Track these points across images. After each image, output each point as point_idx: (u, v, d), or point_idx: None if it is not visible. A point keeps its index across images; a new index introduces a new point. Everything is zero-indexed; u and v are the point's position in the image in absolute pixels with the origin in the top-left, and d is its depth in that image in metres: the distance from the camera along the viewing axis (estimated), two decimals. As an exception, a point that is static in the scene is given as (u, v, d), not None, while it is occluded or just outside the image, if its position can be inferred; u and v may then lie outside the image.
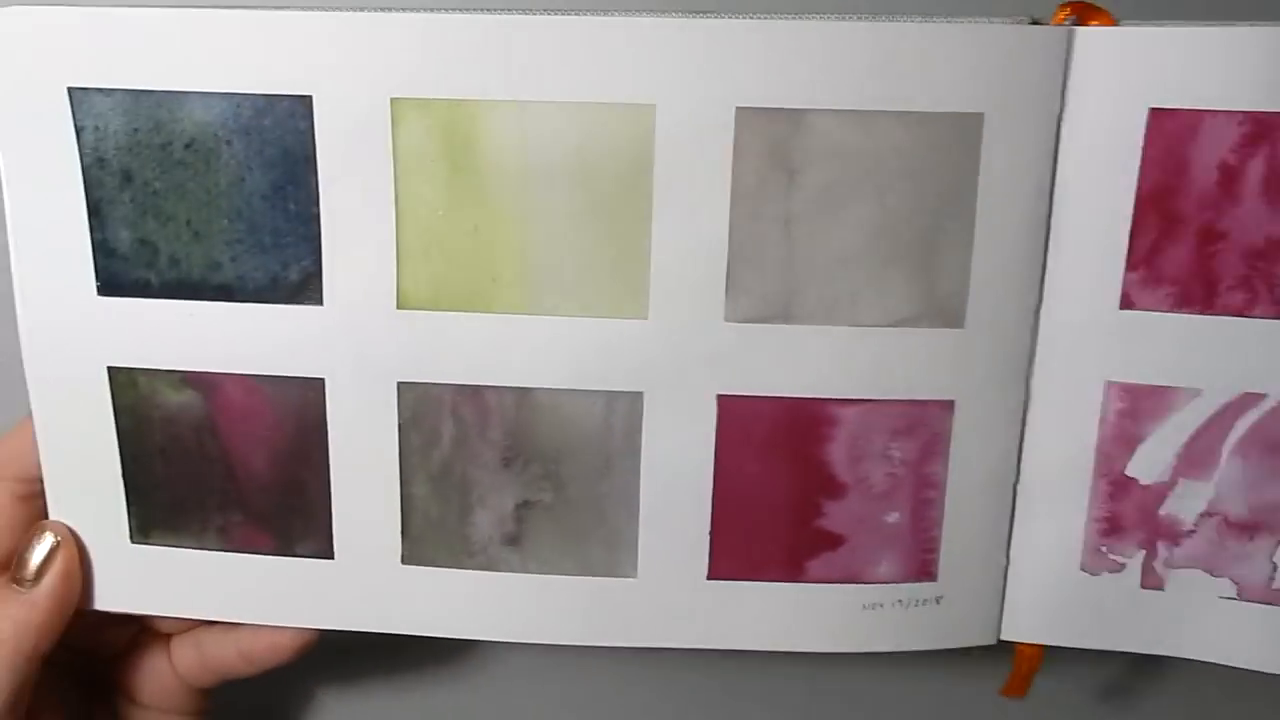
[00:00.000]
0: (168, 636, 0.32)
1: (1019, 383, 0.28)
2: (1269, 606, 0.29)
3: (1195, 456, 0.28)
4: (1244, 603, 0.29)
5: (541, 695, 0.38)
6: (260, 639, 0.30)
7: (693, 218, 0.26)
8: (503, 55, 0.25)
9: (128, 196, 0.26)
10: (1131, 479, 0.28)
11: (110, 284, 0.27)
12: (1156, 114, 0.26)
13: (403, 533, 0.28)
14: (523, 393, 0.27)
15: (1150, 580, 0.29)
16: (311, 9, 0.25)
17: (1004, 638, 0.30)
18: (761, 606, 0.29)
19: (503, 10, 0.25)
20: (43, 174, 0.26)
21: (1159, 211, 0.26)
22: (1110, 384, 0.28)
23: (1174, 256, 0.27)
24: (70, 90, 0.26)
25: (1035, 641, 0.30)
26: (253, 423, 0.28)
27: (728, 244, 0.26)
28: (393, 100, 0.25)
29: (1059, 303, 0.27)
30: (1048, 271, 0.27)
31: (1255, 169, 0.26)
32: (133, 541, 0.29)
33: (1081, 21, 0.26)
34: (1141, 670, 0.37)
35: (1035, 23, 0.26)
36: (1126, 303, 0.27)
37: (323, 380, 0.27)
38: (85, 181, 0.26)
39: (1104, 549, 0.29)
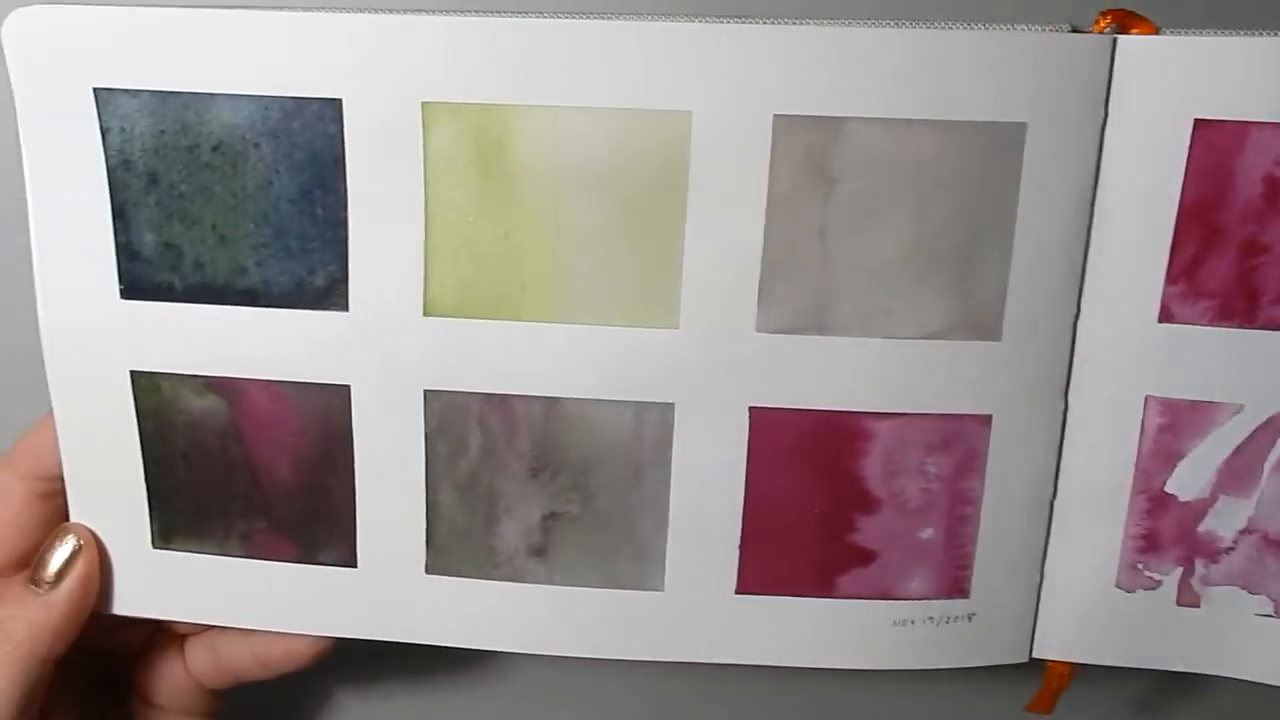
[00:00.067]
0: (183, 638, 0.31)
1: (1057, 397, 0.27)
2: (1307, 626, 0.28)
3: (1236, 473, 0.27)
4: (1281, 621, 0.28)
5: (558, 701, 0.37)
6: (276, 644, 0.30)
7: (726, 226, 0.26)
8: (536, 59, 0.25)
9: (153, 199, 0.26)
10: (1170, 495, 0.28)
11: (134, 287, 0.27)
12: (1201, 125, 0.25)
13: (427, 542, 0.28)
14: (551, 402, 0.27)
15: (1186, 598, 0.28)
16: (342, 10, 0.25)
17: (1036, 655, 0.29)
18: (790, 622, 0.28)
19: (527, 14, 0.25)
20: (67, 175, 0.26)
21: (1201, 224, 0.26)
22: (1150, 399, 0.27)
23: (1215, 270, 0.26)
24: (96, 91, 0.25)
25: (1068, 660, 0.29)
26: (277, 429, 0.28)
27: (761, 253, 0.26)
28: (424, 104, 0.25)
29: (1098, 315, 0.27)
30: (1086, 284, 0.26)
31: (1302, 182, 0.25)
32: (154, 547, 0.29)
33: (1123, 30, 0.25)
34: (1169, 686, 0.36)
35: (1075, 30, 0.25)
36: (1166, 316, 0.26)
37: (348, 387, 0.27)
38: (110, 184, 0.26)
39: (1140, 566, 0.28)
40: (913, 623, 0.28)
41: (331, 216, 0.26)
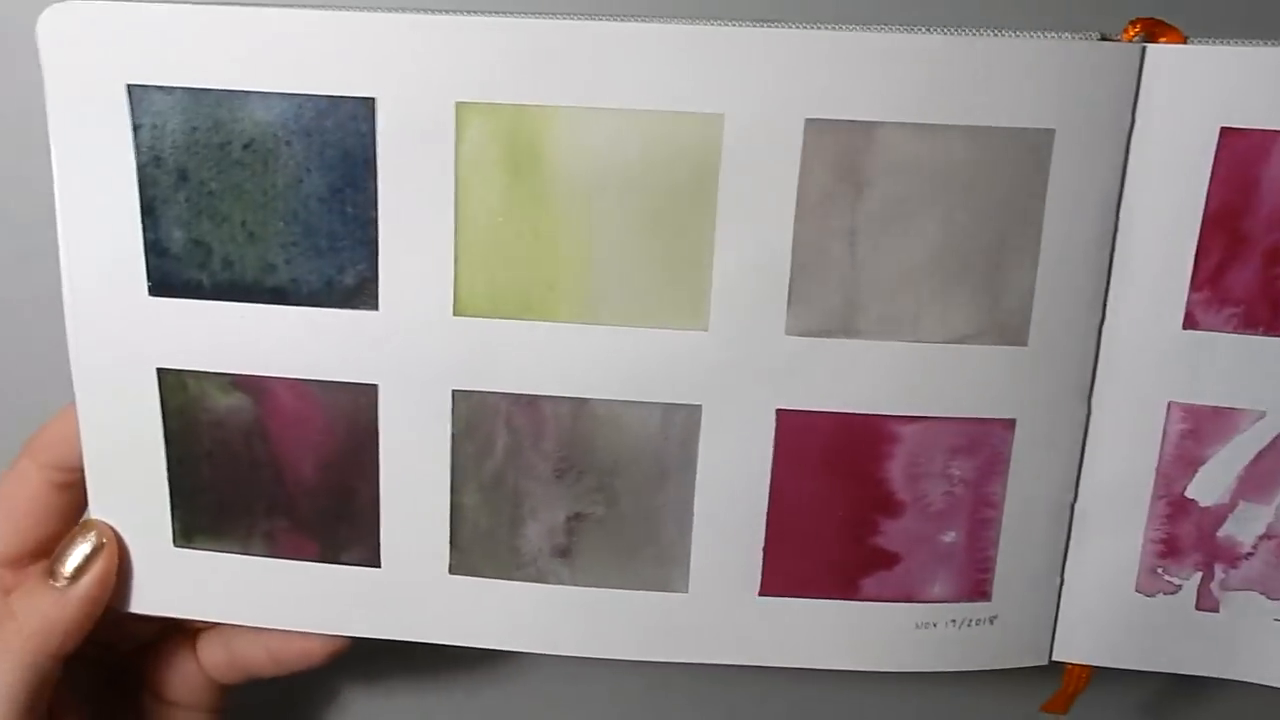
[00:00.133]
0: (194, 633, 0.31)
1: (1080, 402, 0.27)
2: (1326, 632, 0.28)
3: (1257, 479, 0.27)
4: (1300, 626, 0.28)
5: (560, 697, 0.37)
6: (291, 643, 0.30)
7: (756, 229, 0.26)
8: (570, 60, 0.25)
9: (183, 196, 0.26)
10: (1191, 500, 0.28)
11: (162, 284, 0.27)
12: (1227, 133, 0.25)
13: (451, 543, 0.28)
14: (579, 403, 0.27)
15: (1206, 602, 0.29)
16: (377, 10, 0.25)
17: (1056, 658, 0.29)
18: (813, 624, 0.28)
19: (560, 15, 0.25)
20: (97, 171, 0.26)
21: (1226, 231, 0.26)
22: (1172, 404, 0.27)
23: (1240, 277, 0.26)
24: (129, 87, 0.25)
25: (1088, 663, 0.29)
26: (303, 428, 0.27)
27: (791, 256, 0.26)
28: (458, 104, 0.25)
29: (1122, 321, 0.27)
30: (1111, 290, 0.27)
31: (1328, 191, 0.25)
32: (175, 545, 0.29)
33: (1151, 38, 0.26)
34: (1179, 689, 0.37)
35: (1104, 38, 0.25)
36: (1190, 323, 0.27)
37: (375, 386, 0.27)
38: (140, 180, 0.26)
39: (1160, 570, 0.28)
40: (935, 625, 0.28)
41: (362, 215, 0.26)
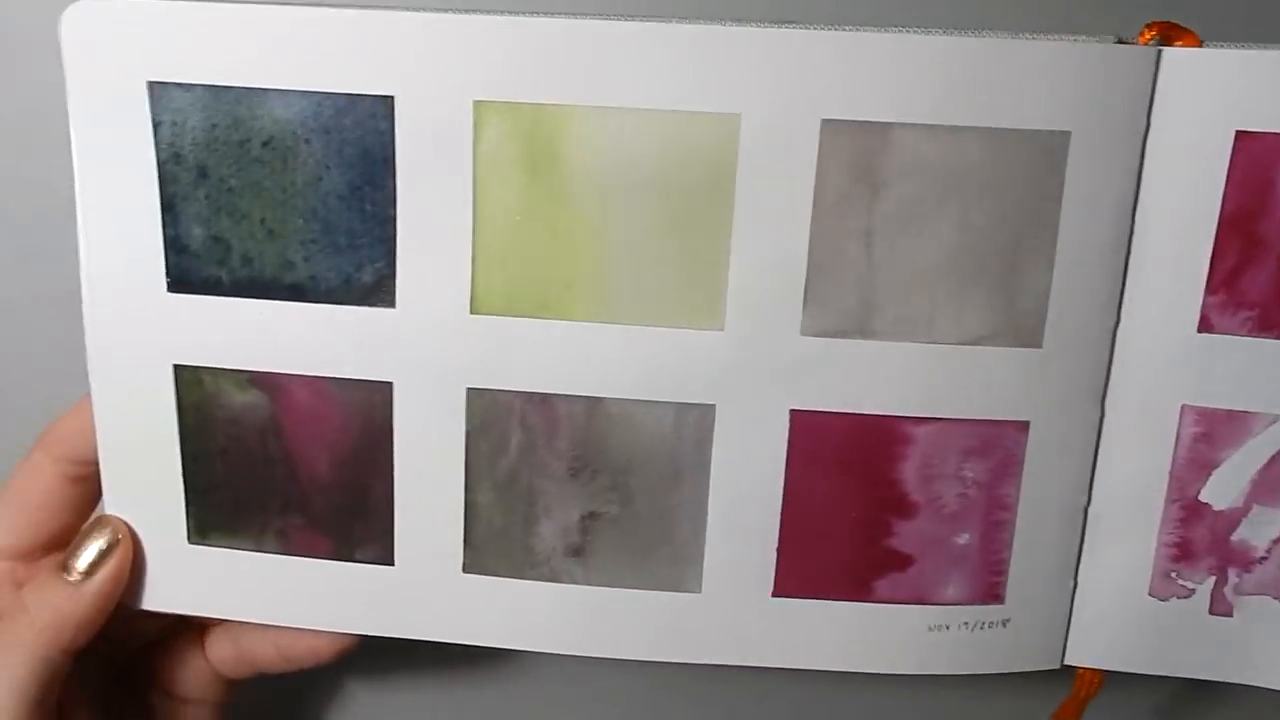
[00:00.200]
0: (203, 628, 0.31)
1: (1094, 404, 0.27)
2: (1340, 637, 0.28)
3: (1271, 482, 0.27)
4: (1315, 632, 0.28)
5: (564, 693, 0.37)
6: (300, 641, 0.30)
7: (772, 229, 0.26)
8: (588, 60, 0.25)
9: (202, 193, 0.26)
10: (1204, 504, 0.28)
11: (180, 281, 0.27)
12: (1243, 136, 0.25)
13: (465, 541, 0.28)
14: (593, 402, 0.27)
15: (1219, 607, 0.29)
16: (396, 9, 0.25)
17: (1068, 662, 0.29)
18: (826, 625, 0.28)
19: (579, 15, 0.25)
20: (117, 168, 0.26)
21: (1241, 235, 0.26)
22: (1186, 408, 0.27)
23: (1255, 280, 0.26)
24: (150, 84, 0.25)
25: (1100, 667, 0.29)
26: (318, 425, 0.28)
27: (807, 257, 0.26)
28: (476, 103, 0.25)
29: (1136, 324, 0.27)
30: (1126, 293, 0.27)
31: (1343, 195, 0.26)
32: (190, 542, 0.29)
33: (1167, 42, 0.26)
34: (1190, 694, 0.36)
35: (1120, 41, 0.26)
36: (1205, 326, 0.27)
37: (391, 384, 0.27)
38: (160, 177, 0.26)
39: (1173, 574, 0.28)
40: (947, 628, 0.28)
41: (380, 213, 0.26)
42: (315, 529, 0.28)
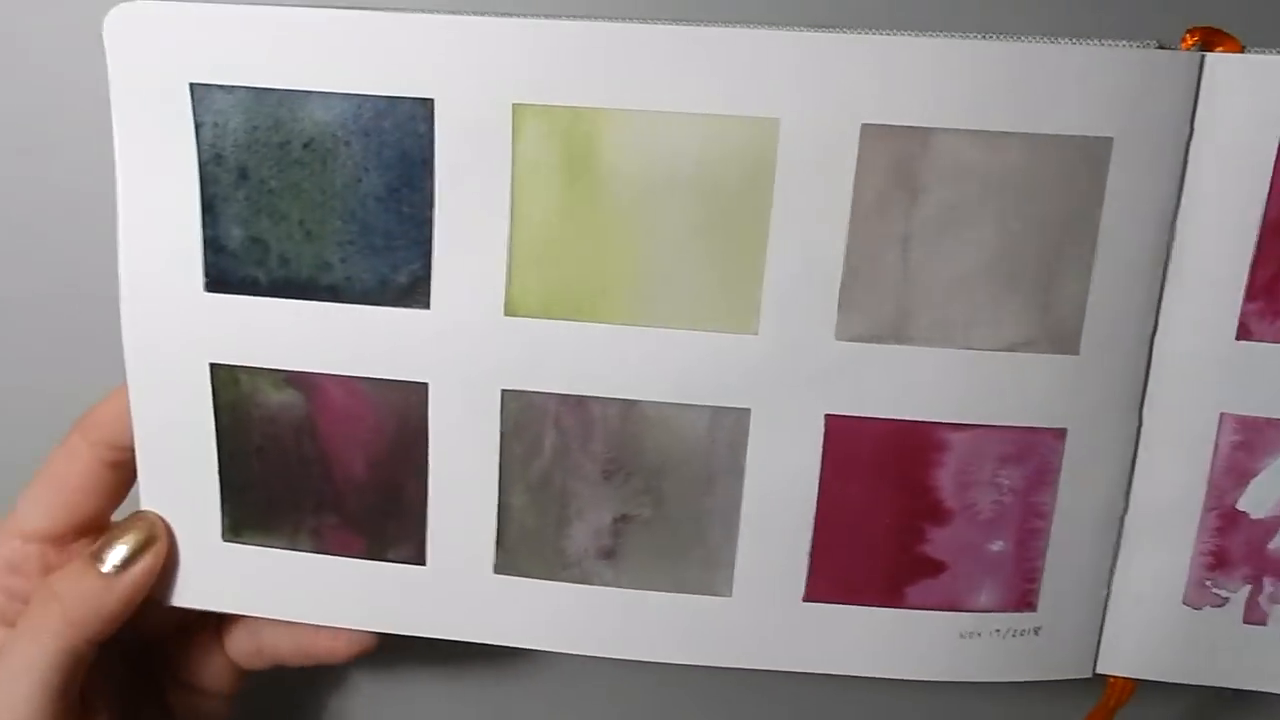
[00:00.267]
0: (221, 621, 0.31)
1: (1132, 412, 0.27)
2: (1377, 648, 0.28)
3: (1309, 493, 0.27)
4: (1350, 642, 0.28)
5: (570, 695, 0.37)
6: (320, 639, 0.30)
7: (810, 234, 0.26)
8: (627, 63, 0.25)
9: (242, 194, 0.26)
10: (1242, 512, 0.28)
11: (218, 281, 0.27)
12: (1287, 144, 0.25)
13: (497, 542, 0.28)
14: (628, 405, 0.27)
15: (1254, 615, 0.28)
16: (435, 12, 0.25)
17: (1100, 671, 0.29)
18: (857, 631, 0.28)
19: (618, 19, 0.25)
20: (158, 168, 0.26)
21: (1283, 243, 0.26)
22: (1225, 415, 0.27)
23: (1296, 289, 0.26)
24: (193, 86, 0.26)
25: (1133, 676, 0.29)
26: (353, 425, 0.28)
27: (843, 262, 0.26)
28: (515, 106, 0.25)
29: (1175, 331, 0.27)
30: (1164, 299, 0.27)
31: (1388, 203, 0.25)
32: (224, 540, 0.29)
33: (1209, 47, 0.26)
34: (1225, 703, 0.36)
35: (1161, 47, 0.25)
36: (1244, 333, 0.27)
37: (426, 385, 0.27)
38: (200, 178, 0.26)
39: (1208, 583, 0.28)
40: (979, 635, 0.28)
41: (418, 215, 0.26)
42: (349, 528, 0.29)
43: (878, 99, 0.25)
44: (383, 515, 0.28)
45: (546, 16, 0.25)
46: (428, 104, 0.25)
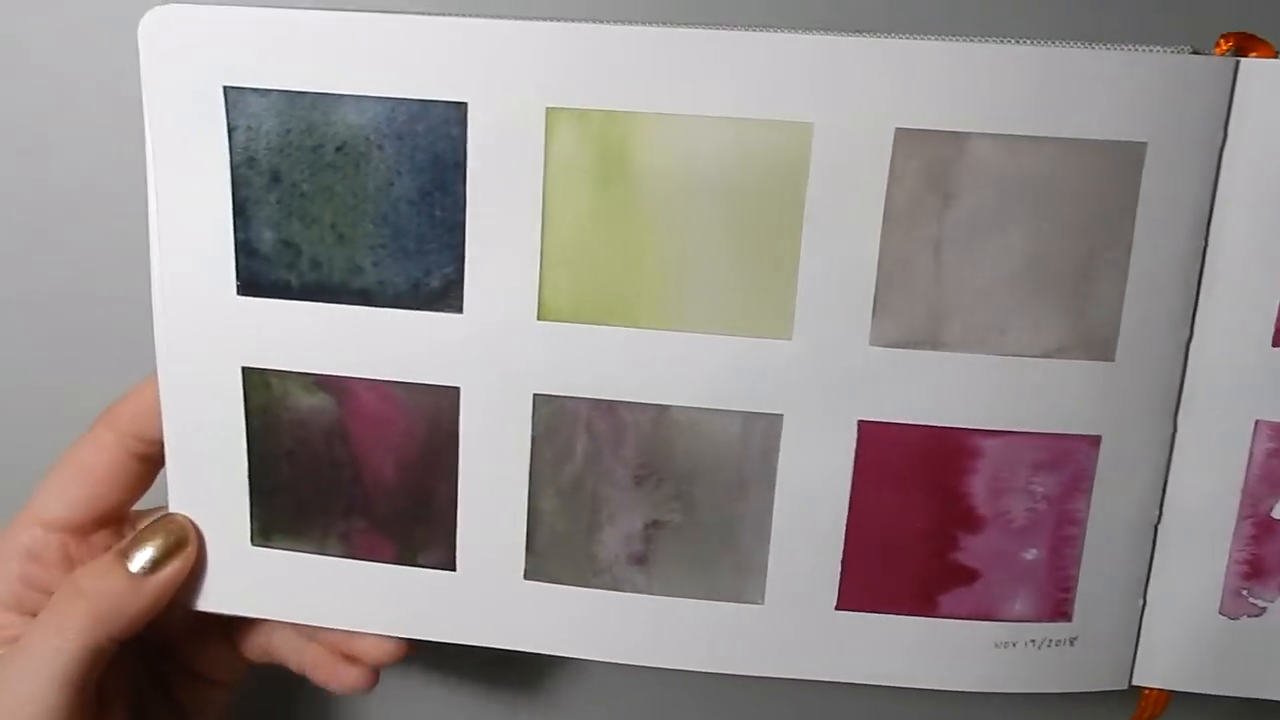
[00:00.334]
0: (234, 619, 0.31)
1: (1166, 419, 0.27)
2: None
3: (1347, 501, 0.27)
4: (1391, 654, 0.28)
5: (570, 694, 0.37)
6: (336, 661, 0.30)
7: (843, 238, 0.26)
8: (661, 67, 0.25)
9: (274, 197, 0.26)
10: (1277, 521, 0.27)
11: (250, 284, 0.27)
12: (1322, 149, 0.25)
13: (527, 547, 0.28)
14: (660, 410, 0.27)
15: (1291, 627, 0.28)
16: (468, 15, 0.25)
17: (1136, 682, 0.29)
18: (890, 641, 0.28)
19: (651, 22, 0.25)
20: (191, 171, 0.26)
21: (1319, 248, 0.26)
22: (1260, 423, 0.27)
23: (1332, 295, 0.26)
24: (226, 89, 0.26)
25: (1168, 687, 0.29)
26: (384, 429, 0.28)
27: (877, 266, 0.26)
28: (548, 109, 0.25)
29: (1209, 338, 0.26)
30: (1199, 306, 0.26)
31: None
32: (253, 544, 0.29)
33: (1242, 53, 0.25)
34: (1259, 713, 0.36)
35: (1195, 53, 0.25)
36: (1279, 340, 0.26)
37: (458, 389, 0.27)
38: (233, 181, 0.26)
39: (1245, 592, 0.28)
40: (1014, 645, 0.28)
41: (450, 219, 0.26)
42: (379, 532, 0.28)
43: (912, 103, 0.25)
44: (413, 520, 0.28)
45: (580, 20, 0.25)
46: (461, 107, 0.25)
